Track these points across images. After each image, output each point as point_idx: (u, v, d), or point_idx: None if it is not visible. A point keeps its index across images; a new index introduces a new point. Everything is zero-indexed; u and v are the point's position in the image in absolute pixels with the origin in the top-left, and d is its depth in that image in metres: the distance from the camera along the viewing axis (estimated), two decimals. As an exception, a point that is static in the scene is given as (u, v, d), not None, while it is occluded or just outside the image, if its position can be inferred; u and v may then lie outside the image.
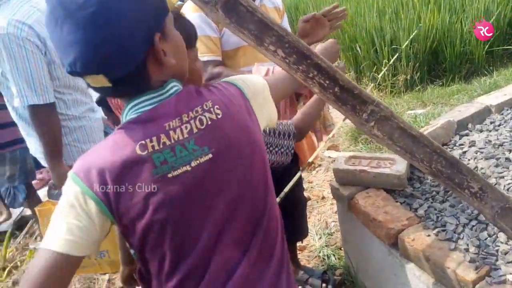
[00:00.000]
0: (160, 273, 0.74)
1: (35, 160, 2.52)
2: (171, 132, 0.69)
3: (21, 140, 2.75)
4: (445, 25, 3.71)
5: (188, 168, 0.69)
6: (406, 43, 3.57)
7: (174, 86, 0.73)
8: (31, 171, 3.01)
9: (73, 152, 1.82)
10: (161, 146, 0.68)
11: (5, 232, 3.05)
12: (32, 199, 3.05)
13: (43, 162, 1.86)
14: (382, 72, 3.67)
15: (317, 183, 2.70)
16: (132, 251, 0.77)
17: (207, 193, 0.71)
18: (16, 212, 3.37)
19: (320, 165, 2.93)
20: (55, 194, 2.93)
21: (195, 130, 0.70)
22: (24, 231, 3.15)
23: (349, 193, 1.61)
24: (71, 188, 0.68)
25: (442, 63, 3.88)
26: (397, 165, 1.57)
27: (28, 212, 3.36)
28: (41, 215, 1.86)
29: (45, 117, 1.64)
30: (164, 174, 0.68)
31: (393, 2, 4.16)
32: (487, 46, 3.69)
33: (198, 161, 0.70)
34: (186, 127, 0.70)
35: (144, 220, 0.68)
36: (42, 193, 3.25)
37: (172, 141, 0.68)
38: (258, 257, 0.76)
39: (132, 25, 0.64)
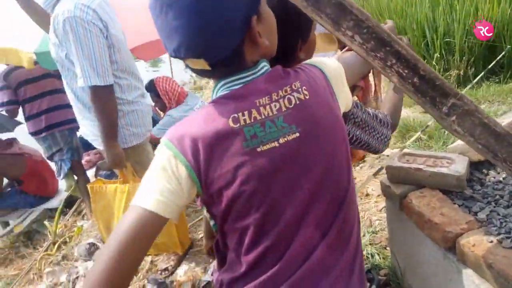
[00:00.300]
0: (239, 246, 0.75)
1: (85, 142, 2.70)
2: (261, 108, 0.71)
3: (69, 121, 3.14)
4: (505, 18, 3.46)
5: (276, 144, 0.70)
6: (460, 36, 3.37)
7: (265, 66, 0.75)
8: (77, 149, 3.28)
9: (125, 135, 1.87)
10: (252, 120, 0.70)
11: (55, 209, 3.23)
12: (81, 178, 3.24)
13: (96, 144, 1.93)
14: (433, 66, 3.50)
15: (361, 179, 2.63)
16: (212, 223, 0.78)
17: (293, 170, 0.72)
18: (65, 192, 3.55)
19: (364, 161, 2.85)
20: (103, 175, 3.08)
21: (283, 108, 0.72)
22: (72, 210, 3.31)
23: (402, 191, 1.54)
24: (164, 152, 0.70)
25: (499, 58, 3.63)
26: (456, 165, 1.49)
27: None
28: (93, 192, 1.95)
29: (104, 98, 1.71)
30: (253, 147, 0.69)
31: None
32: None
33: (286, 139, 0.71)
34: (275, 105, 0.71)
35: (232, 189, 0.69)
36: (90, 173, 3.40)
37: (263, 116, 0.70)
38: (336, 241, 0.76)
39: (232, 9, 0.65)
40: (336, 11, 0.70)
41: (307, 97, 0.73)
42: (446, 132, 2.79)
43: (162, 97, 2.95)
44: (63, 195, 3.52)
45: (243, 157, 0.69)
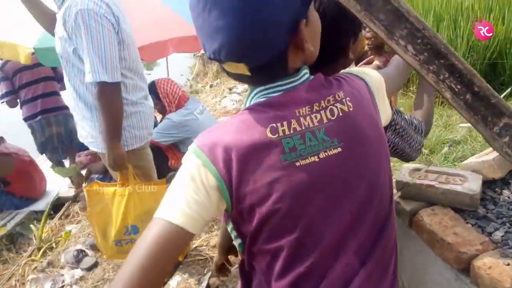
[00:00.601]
0: (269, 270, 0.68)
1: (77, 143, 2.67)
2: (302, 119, 0.65)
3: (64, 107, 3.29)
4: (508, 36, 3.47)
5: (315, 159, 0.64)
6: (463, 52, 3.37)
7: (306, 73, 0.69)
8: (75, 133, 3.21)
9: (127, 138, 1.80)
10: (291, 132, 0.64)
11: (42, 211, 3.10)
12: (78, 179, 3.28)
13: (93, 146, 1.85)
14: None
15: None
16: (238, 242, 0.71)
17: (333, 189, 0.66)
18: (52, 194, 3.42)
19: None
20: (94, 178, 2.98)
21: (325, 120, 0.66)
22: (60, 213, 3.18)
23: (412, 208, 1.48)
24: (193, 161, 0.64)
25: (500, 75, 3.64)
26: (470, 183, 1.43)
27: (64, 194, 3.41)
28: (89, 195, 1.86)
29: (111, 96, 1.65)
30: (292, 161, 0.63)
31: (452, 7, 3.94)
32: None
33: (326, 153, 0.65)
34: (316, 116, 0.66)
35: (265, 207, 0.63)
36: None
37: (303, 127, 0.65)
38: (376, 268, 0.69)
39: (281, 11, 0.60)
40: (390, 18, 0.64)
41: (351, 109, 0.68)
42: (447, 146, 2.75)
43: (162, 99, 2.87)
44: (50, 197, 3.40)
45: (280, 171, 0.62)
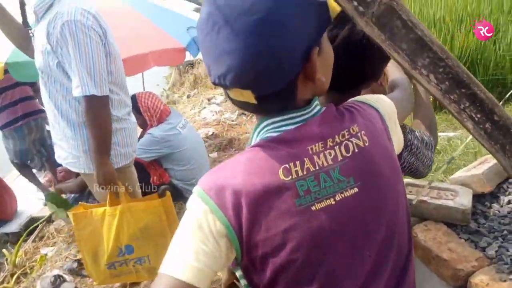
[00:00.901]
0: None
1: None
2: (315, 157, 0.60)
3: (40, 111, 3.27)
4: (479, 47, 3.61)
5: (332, 201, 0.60)
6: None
7: (317, 105, 0.65)
8: (49, 136, 3.26)
9: (112, 156, 1.73)
10: (305, 173, 0.59)
11: (14, 233, 2.94)
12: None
13: (73, 167, 1.76)
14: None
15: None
16: (243, 283, 0.65)
17: (352, 234, 0.61)
18: (25, 214, 3.26)
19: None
20: (70, 198, 2.85)
21: (339, 158, 0.62)
22: (34, 234, 3.02)
23: (405, 224, 1.48)
24: (199, 206, 0.59)
25: (473, 85, 3.77)
26: (461, 198, 1.45)
27: (37, 214, 3.25)
28: (76, 219, 1.76)
29: (101, 109, 1.59)
30: (307, 206, 0.58)
31: (425, 19, 4.07)
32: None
33: (343, 195, 0.60)
34: (330, 153, 0.61)
35: (280, 257, 0.58)
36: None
37: (317, 167, 0.60)
38: None
39: (295, 37, 0.56)
40: (412, 47, 0.62)
41: (366, 144, 0.63)
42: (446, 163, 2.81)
43: (144, 114, 2.78)
44: (22, 217, 3.22)
45: (295, 217, 0.58)
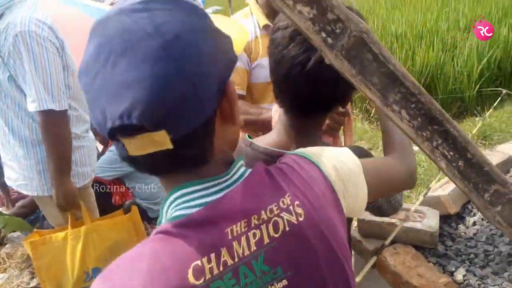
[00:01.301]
0: None
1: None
2: (235, 244, 0.48)
3: None
4: (438, 63, 3.75)
5: None
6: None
7: (241, 167, 0.54)
8: None
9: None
10: (221, 269, 0.47)
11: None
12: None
13: (24, 189, 1.63)
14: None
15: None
16: None
17: None
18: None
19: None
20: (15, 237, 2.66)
21: (266, 240, 0.50)
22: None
23: (375, 247, 1.47)
24: None
25: (435, 99, 3.91)
26: (428, 220, 1.46)
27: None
28: (33, 248, 1.61)
29: (59, 125, 1.48)
30: None
31: (388, 34, 4.19)
32: (477, 86, 3.75)
33: None
34: (254, 235, 0.49)
35: None
36: None
37: (236, 259, 0.48)
38: None
39: (210, 64, 0.47)
40: (384, 81, 0.58)
41: (300, 219, 0.52)
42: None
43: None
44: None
45: None
